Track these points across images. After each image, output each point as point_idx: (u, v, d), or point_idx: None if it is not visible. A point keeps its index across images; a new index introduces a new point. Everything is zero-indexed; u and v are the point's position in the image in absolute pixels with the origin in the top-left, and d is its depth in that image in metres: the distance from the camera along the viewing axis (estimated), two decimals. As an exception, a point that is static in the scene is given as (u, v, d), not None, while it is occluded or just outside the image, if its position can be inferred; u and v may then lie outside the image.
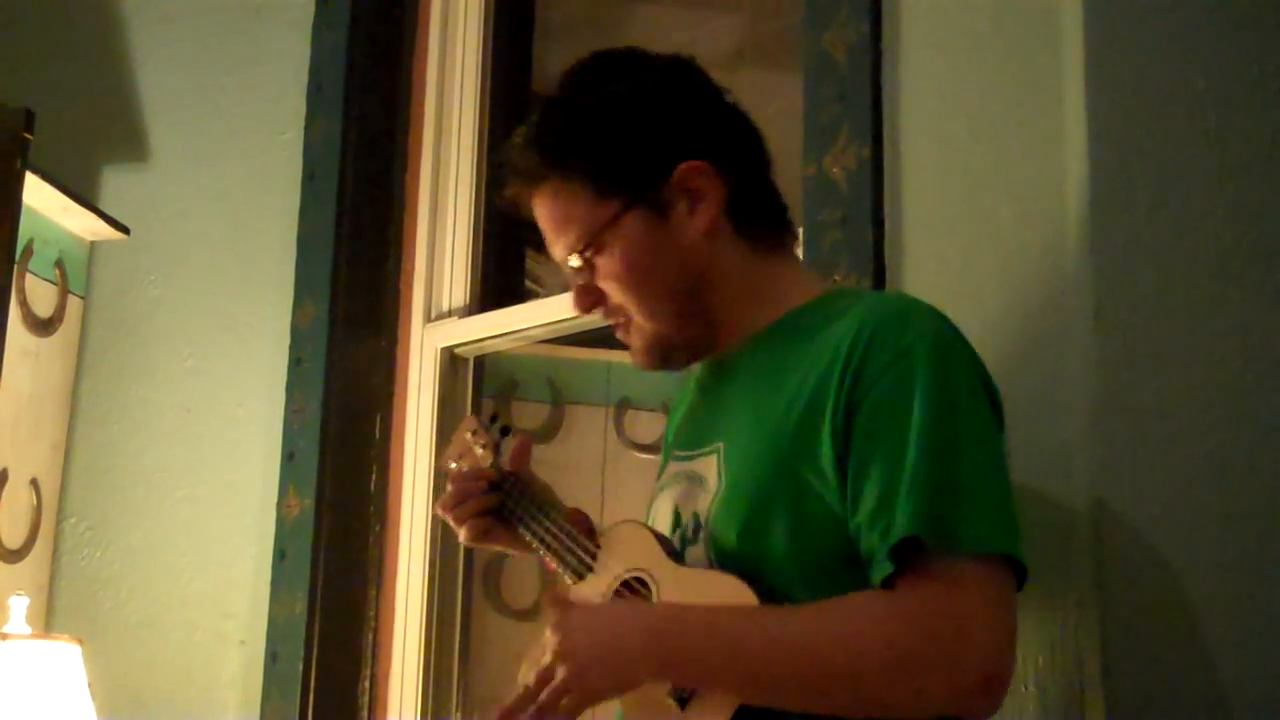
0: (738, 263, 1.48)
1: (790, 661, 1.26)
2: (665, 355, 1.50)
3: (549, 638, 1.34)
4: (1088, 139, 1.62)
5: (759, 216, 1.51)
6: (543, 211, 1.49)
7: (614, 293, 1.47)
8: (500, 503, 1.67)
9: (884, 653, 1.24)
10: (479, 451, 1.73)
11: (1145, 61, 1.61)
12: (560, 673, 1.32)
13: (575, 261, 1.47)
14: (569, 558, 1.57)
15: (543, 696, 1.33)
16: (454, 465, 1.77)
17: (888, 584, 1.26)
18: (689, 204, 1.45)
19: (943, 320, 1.38)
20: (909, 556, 1.25)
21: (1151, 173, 1.58)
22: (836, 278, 1.86)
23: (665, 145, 1.46)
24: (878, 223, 1.86)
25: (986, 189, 1.78)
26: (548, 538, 1.60)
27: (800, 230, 1.97)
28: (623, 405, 2.99)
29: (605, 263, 1.46)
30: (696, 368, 1.58)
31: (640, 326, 1.49)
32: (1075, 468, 1.59)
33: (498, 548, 1.72)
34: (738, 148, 1.51)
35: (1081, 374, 1.60)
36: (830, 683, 1.25)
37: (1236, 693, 1.44)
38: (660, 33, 3.13)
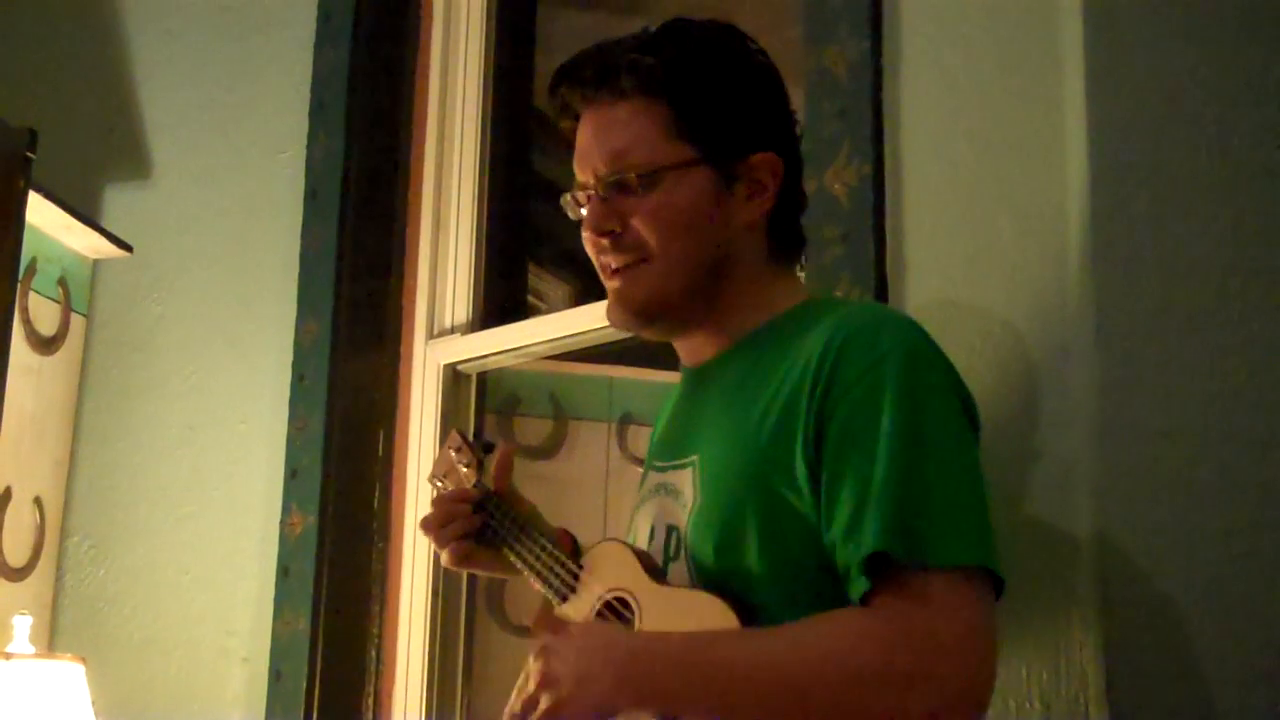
0: (756, 265, 1.48)
1: (770, 686, 1.25)
2: (657, 314, 1.48)
3: (532, 665, 1.34)
4: (1088, 153, 1.62)
5: (787, 229, 1.51)
6: (601, 127, 1.46)
7: (646, 231, 1.44)
8: (484, 524, 1.66)
9: (859, 671, 1.23)
10: (463, 469, 1.72)
11: (1145, 75, 1.61)
12: (543, 701, 1.31)
13: (619, 181, 1.44)
14: (552, 579, 1.56)
15: None
16: (438, 484, 1.76)
17: (865, 599, 1.25)
18: (748, 190, 1.46)
19: (916, 330, 1.38)
20: (883, 571, 1.24)
21: (1152, 187, 1.58)
22: (838, 294, 1.86)
23: (758, 126, 1.47)
24: (879, 239, 1.86)
25: (987, 204, 1.78)
26: (531, 559, 1.60)
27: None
28: (625, 421, 2.99)
29: (655, 200, 1.43)
30: (680, 376, 1.57)
31: (651, 272, 1.45)
32: (1078, 483, 1.59)
33: (482, 571, 1.71)
34: (796, 160, 1.52)
35: (1083, 389, 1.60)
36: (811, 704, 1.24)
37: (1239, 709, 1.44)
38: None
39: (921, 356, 1.34)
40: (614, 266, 1.48)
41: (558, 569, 1.56)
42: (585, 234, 1.49)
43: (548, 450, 2.95)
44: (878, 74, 1.91)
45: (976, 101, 1.82)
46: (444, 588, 2.50)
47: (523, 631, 2.85)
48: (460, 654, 2.52)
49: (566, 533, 1.68)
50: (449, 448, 1.77)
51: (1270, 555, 1.46)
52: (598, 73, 1.47)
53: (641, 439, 3.01)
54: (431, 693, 2.46)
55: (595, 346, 2.46)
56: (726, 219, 1.45)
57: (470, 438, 1.77)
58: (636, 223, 1.45)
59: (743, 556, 1.34)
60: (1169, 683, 1.47)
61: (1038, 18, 1.77)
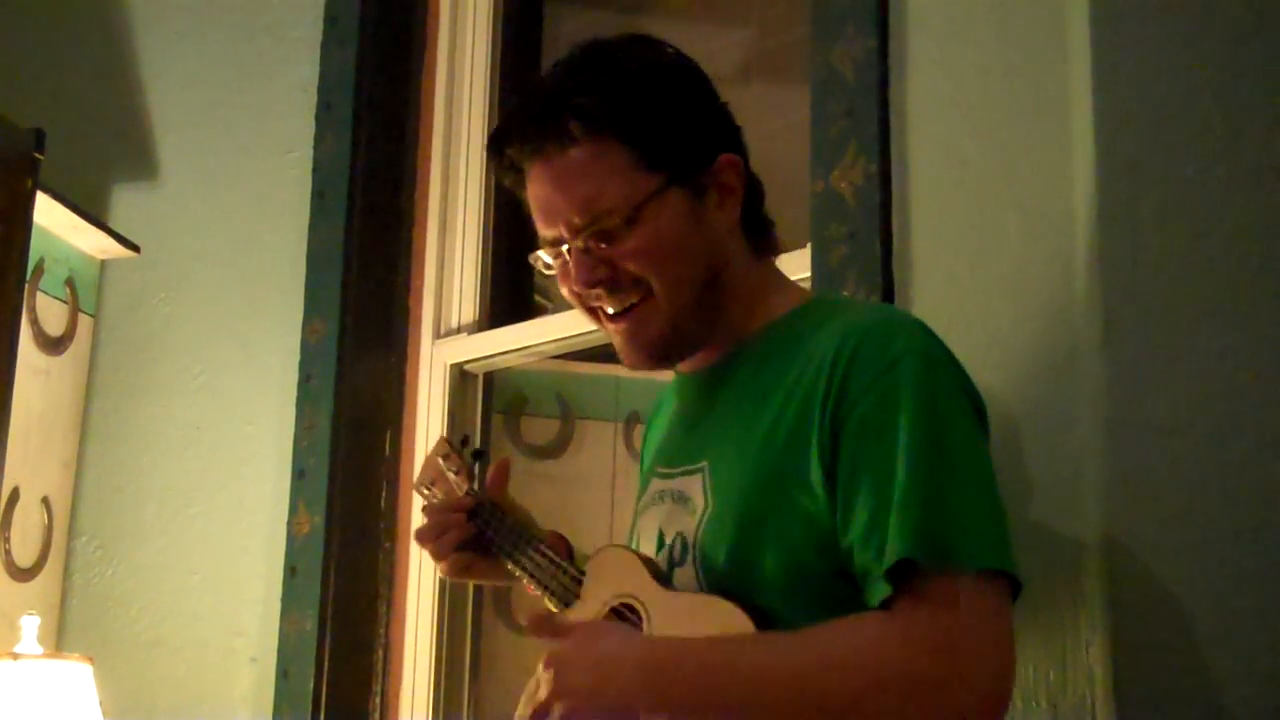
0: (744, 266, 1.47)
1: (792, 692, 1.25)
2: (674, 347, 1.45)
3: (543, 674, 1.32)
4: (1095, 152, 1.62)
5: (757, 221, 1.50)
6: (560, 177, 1.41)
7: (641, 268, 1.40)
8: (480, 532, 1.64)
9: (884, 676, 1.22)
10: (451, 476, 1.70)
11: (1152, 74, 1.61)
12: (556, 711, 1.30)
13: (600, 229, 1.40)
14: (555, 585, 1.55)
15: None
16: (425, 491, 1.74)
17: (885, 604, 1.25)
18: (719, 198, 1.44)
19: (926, 333, 1.37)
20: (904, 576, 1.24)
21: (1159, 185, 1.58)
22: (845, 293, 1.86)
23: (710, 131, 1.45)
24: (885, 238, 1.86)
25: (994, 203, 1.78)
26: (531, 566, 1.58)
27: (808, 245, 1.98)
28: (632, 420, 2.99)
29: (639, 236, 1.39)
30: (673, 380, 1.56)
31: (657, 309, 1.42)
32: (1086, 482, 1.58)
33: (481, 581, 1.70)
34: (744, 150, 1.50)
35: (1091, 388, 1.59)
36: (831, 709, 1.24)
37: (1247, 708, 1.43)
38: (668, 48, 3.13)
39: (935, 360, 1.34)
40: (613, 311, 1.44)
41: (560, 575, 1.55)
42: (572, 288, 1.44)
43: (555, 450, 2.95)
44: (884, 73, 1.91)
45: (983, 100, 1.82)
46: (450, 587, 2.50)
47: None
48: (467, 653, 2.52)
49: (561, 537, 1.67)
50: (436, 455, 1.75)
51: (1278, 555, 1.45)
52: (540, 124, 1.42)
53: (649, 439, 3.01)
54: (438, 692, 2.46)
55: (602, 346, 2.45)
56: (709, 231, 1.43)
57: (458, 444, 1.75)
58: (628, 263, 1.40)
59: (756, 562, 1.33)
60: (1176, 682, 1.47)
61: (1045, 17, 1.77)
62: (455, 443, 1.75)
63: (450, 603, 2.49)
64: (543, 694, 1.32)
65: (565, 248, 1.43)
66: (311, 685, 2.40)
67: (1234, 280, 1.52)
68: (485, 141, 2.66)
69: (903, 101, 1.89)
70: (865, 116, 1.91)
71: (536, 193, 1.44)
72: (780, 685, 1.25)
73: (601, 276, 1.41)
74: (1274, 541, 1.45)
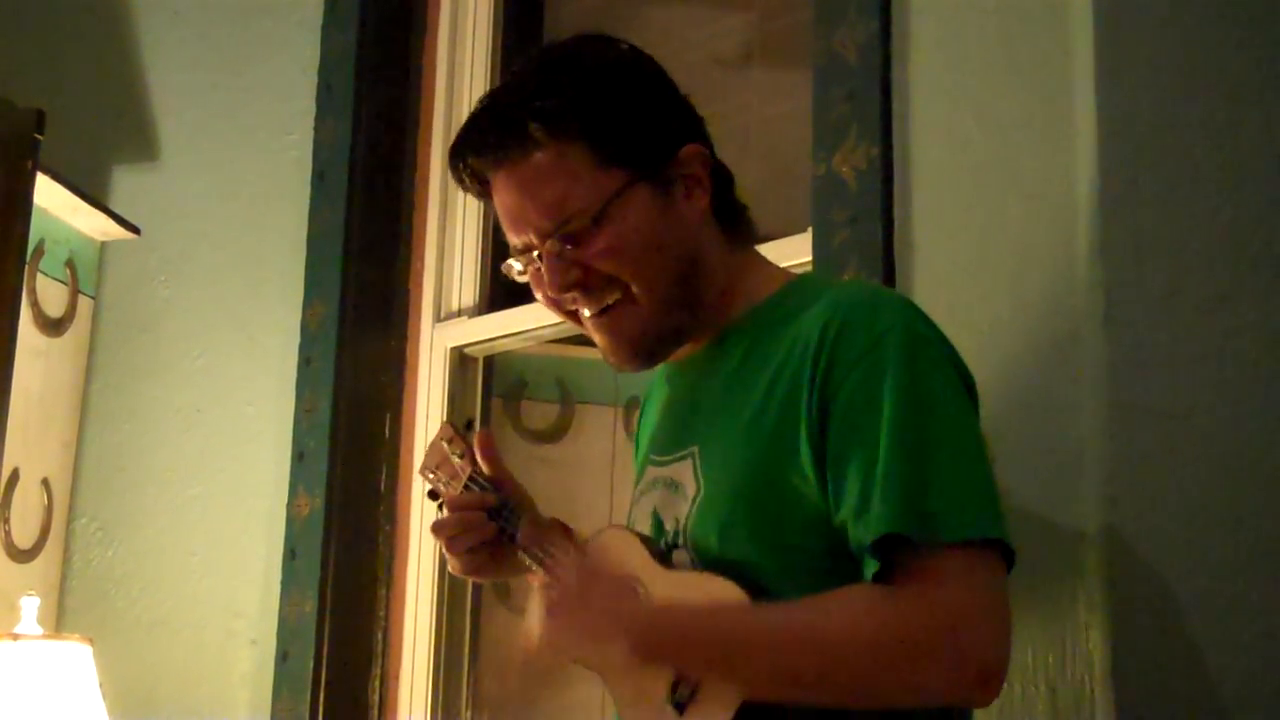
0: (719, 254, 1.46)
1: (787, 658, 1.26)
2: (656, 343, 1.45)
3: (539, 602, 1.36)
4: (1098, 137, 1.62)
5: (733, 211, 1.49)
6: (526, 183, 1.40)
7: (613, 267, 1.40)
8: (500, 530, 1.61)
9: (879, 645, 1.23)
10: (456, 460, 1.69)
11: (1155, 59, 1.61)
12: (550, 650, 1.36)
13: (568, 232, 1.39)
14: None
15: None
16: (430, 476, 1.74)
17: (879, 578, 1.25)
18: (686, 189, 1.43)
19: (911, 308, 1.38)
20: (893, 551, 1.24)
21: (1161, 171, 1.58)
22: (846, 277, 1.86)
23: (672, 123, 1.45)
24: (887, 222, 1.86)
25: (996, 188, 1.78)
26: (543, 555, 1.56)
27: (809, 230, 1.97)
28: (631, 405, 2.98)
29: (608, 235, 1.39)
30: (662, 368, 1.55)
31: (635, 309, 1.42)
32: (1086, 467, 1.59)
33: (485, 579, 1.68)
34: (706, 137, 1.49)
35: (1092, 373, 1.60)
36: (828, 677, 1.25)
37: (1245, 693, 1.44)
38: (668, 31, 3.12)
39: (920, 334, 1.33)
40: (590, 313, 1.44)
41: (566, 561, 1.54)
42: (546, 294, 1.44)
43: (554, 434, 2.95)
44: (886, 57, 1.91)
45: (986, 84, 1.82)
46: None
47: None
48: (467, 636, 2.52)
49: (560, 522, 1.66)
50: (440, 439, 1.74)
51: (1278, 540, 1.45)
52: (501, 132, 1.41)
53: (648, 423, 3.01)
54: (438, 675, 2.46)
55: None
56: (679, 223, 1.42)
57: (462, 428, 1.74)
58: (599, 263, 1.40)
59: (747, 542, 1.33)
60: (1174, 666, 1.47)
61: (1048, 1, 1.76)
62: (459, 426, 1.75)
63: (450, 585, 2.49)
64: (538, 627, 1.36)
65: (536, 254, 1.42)
66: (311, 667, 2.40)
67: (1235, 265, 1.52)
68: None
69: (905, 86, 1.89)
70: (867, 100, 1.91)
71: (503, 201, 1.43)
72: (775, 651, 1.27)
73: (574, 279, 1.41)
74: (1274, 527, 1.46)
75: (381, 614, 2.49)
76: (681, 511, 1.40)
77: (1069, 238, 1.67)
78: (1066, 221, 1.68)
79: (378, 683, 2.47)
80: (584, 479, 2.92)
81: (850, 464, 1.28)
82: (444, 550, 1.63)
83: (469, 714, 2.51)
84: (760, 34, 3.20)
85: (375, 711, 2.45)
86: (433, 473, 1.74)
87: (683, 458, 1.43)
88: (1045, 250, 1.71)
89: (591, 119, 1.39)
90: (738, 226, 1.49)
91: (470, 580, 1.69)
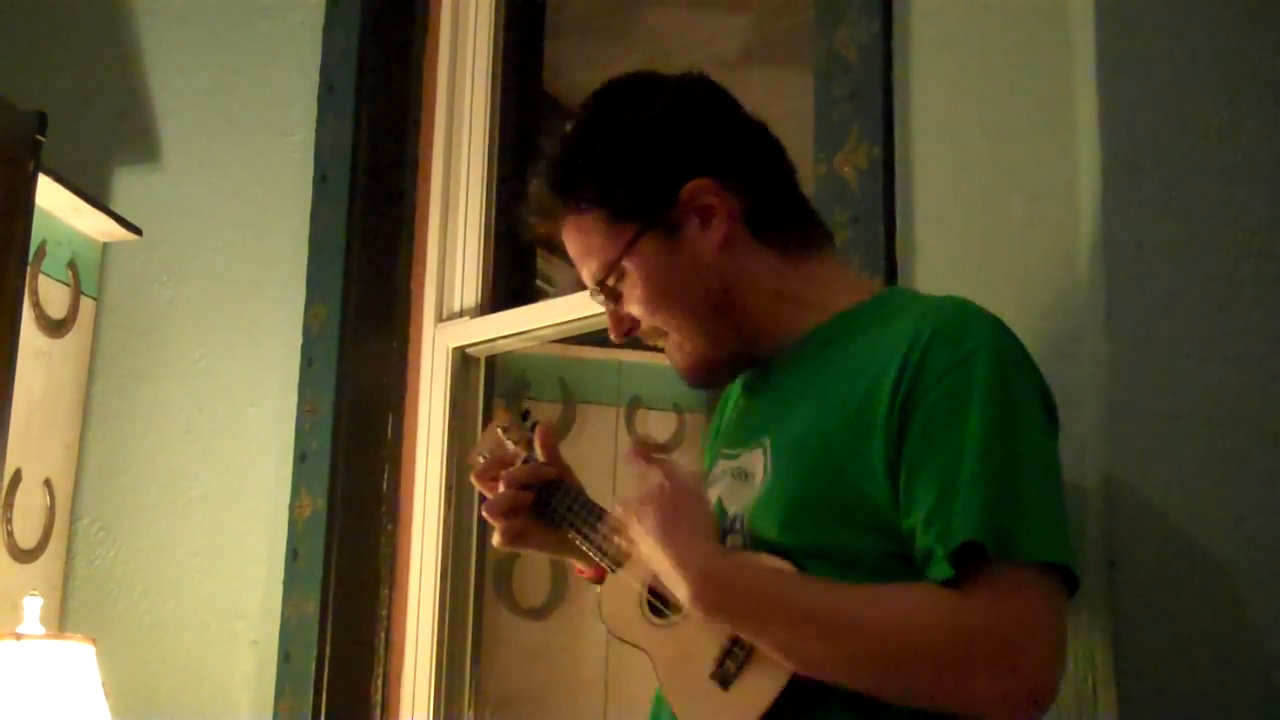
0: (767, 272, 1.48)
1: (848, 629, 1.27)
2: (709, 372, 1.52)
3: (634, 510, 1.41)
4: (1099, 137, 1.62)
5: (782, 223, 1.50)
6: (568, 244, 1.53)
7: (643, 316, 1.49)
8: (543, 504, 1.63)
9: (940, 646, 1.25)
10: (510, 447, 1.71)
11: (1157, 59, 1.61)
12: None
13: (601, 291, 1.51)
14: (615, 554, 1.54)
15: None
16: (482, 459, 1.75)
17: (947, 585, 1.26)
18: (701, 222, 1.46)
19: (1001, 327, 1.38)
20: (967, 560, 1.25)
21: (1163, 170, 1.58)
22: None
23: (669, 167, 1.47)
24: (889, 222, 1.86)
25: (998, 188, 1.78)
26: (596, 537, 1.58)
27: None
28: (634, 404, 2.99)
29: (629, 289, 1.49)
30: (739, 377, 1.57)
31: (679, 345, 1.50)
32: (1088, 466, 1.59)
33: (532, 549, 1.69)
34: (750, 158, 1.50)
35: (1094, 372, 1.60)
36: (881, 662, 1.26)
37: (1248, 689, 1.44)
38: (671, 32, 3.13)
39: (1009, 357, 1.35)
40: (654, 346, 1.54)
41: (613, 540, 1.54)
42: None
43: (557, 434, 2.94)
44: (888, 57, 1.91)
45: (987, 84, 1.82)
46: (452, 570, 2.50)
47: (531, 614, 2.85)
48: (469, 637, 2.52)
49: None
50: (496, 425, 1.77)
51: (1278, 540, 1.45)
52: (536, 206, 1.53)
53: (650, 423, 3.01)
54: (440, 675, 2.46)
55: (604, 329, 2.45)
56: (695, 260, 1.46)
57: (518, 417, 1.76)
58: (635, 313, 1.50)
59: (807, 536, 1.34)
60: (1175, 664, 1.47)
61: (1049, 1, 1.77)
62: (516, 416, 1.77)
63: (452, 586, 2.49)
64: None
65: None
66: (313, 668, 2.40)
67: (1237, 265, 1.52)
68: (488, 124, 2.67)
69: (906, 86, 1.89)
70: (869, 101, 1.91)
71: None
72: (834, 625, 1.27)
73: (627, 329, 1.53)
74: (1274, 526, 1.46)
75: (384, 614, 2.49)
76: (747, 499, 1.41)
77: (1070, 238, 1.67)
78: (1068, 222, 1.68)
79: (380, 683, 2.47)
80: (586, 478, 2.90)
81: (927, 470, 1.29)
82: (492, 520, 1.65)
83: (471, 714, 2.51)
84: (761, 34, 3.21)
85: (377, 712, 2.45)
86: (483, 457, 1.75)
87: (754, 448, 1.44)
88: (1046, 250, 1.71)
89: (593, 182, 1.48)
90: (795, 234, 1.51)
91: (519, 549, 1.70)
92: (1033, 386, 1.36)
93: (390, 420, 2.57)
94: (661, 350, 1.54)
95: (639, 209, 1.46)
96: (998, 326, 1.38)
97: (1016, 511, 1.27)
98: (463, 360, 2.61)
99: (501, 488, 1.64)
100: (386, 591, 2.50)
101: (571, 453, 2.95)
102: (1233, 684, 1.45)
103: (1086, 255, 1.64)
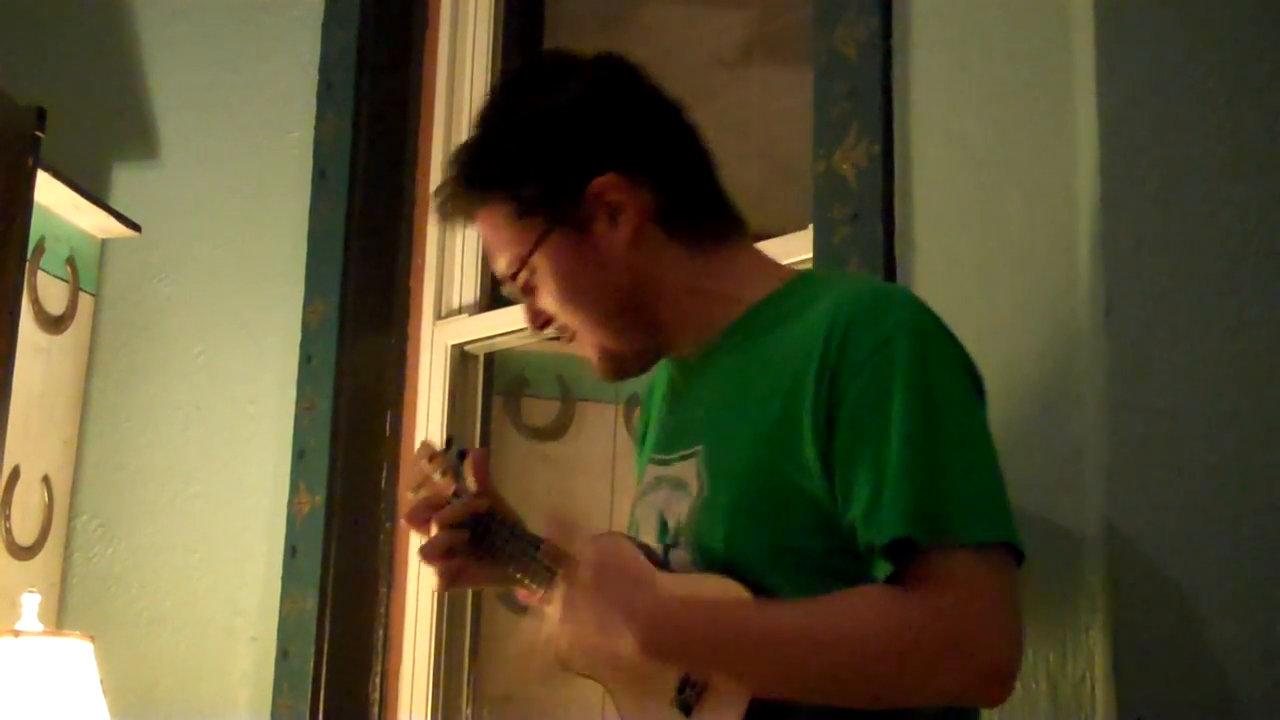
0: (677, 267, 1.45)
1: (798, 648, 1.26)
2: (618, 367, 1.49)
3: (551, 613, 1.37)
4: (1098, 135, 1.62)
5: (694, 216, 1.47)
6: (483, 234, 1.51)
7: (553, 310, 1.47)
8: (480, 538, 1.60)
9: (891, 648, 1.23)
10: (438, 479, 1.68)
11: (1156, 56, 1.61)
12: (560, 642, 1.36)
13: (514, 285, 1.48)
14: (550, 582, 1.51)
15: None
16: (412, 495, 1.72)
17: (890, 580, 1.25)
18: (609, 218, 1.43)
19: (918, 305, 1.37)
20: (905, 553, 1.24)
21: (1162, 168, 1.58)
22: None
23: (577, 162, 1.44)
24: (888, 219, 1.86)
25: (997, 185, 1.78)
26: (535, 567, 1.55)
27: (810, 227, 1.97)
28: (632, 402, 2.98)
29: (540, 281, 1.46)
30: (662, 366, 1.56)
31: (587, 341, 1.48)
32: (1086, 465, 1.59)
33: (473, 587, 1.68)
34: (662, 151, 1.47)
35: (1092, 371, 1.60)
36: (839, 673, 1.25)
37: (1246, 691, 1.44)
38: (670, 29, 3.12)
39: (928, 333, 1.33)
40: (565, 340, 1.51)
41: (552, 570, 1.51)
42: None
43: (555, 432, 2.95)
44: (887, 54, 1.91)
45: (986, 81, 1.82)
46: (451, 568, 2.50)
47: (529, 612, 2.85)
48: (467, 634, 2.52)
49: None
50: (420, 458, 1.73)
51: (1278, 540, 1.45)
52: (450, 200, 1.50)
53: (649, 421, 3.01)
54: (438, 672, 2.47)
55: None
56: (603, 257, 1.44)
57: (442, 446, 1.73)
58: (548, 307, 1.48)
59: (752, 543, 1.33)
60: (1175, 664, 1.47)
61: (1049, -2, 1.77)
62: (434, 446, 1.73)
63: (450, 583, 2.49)
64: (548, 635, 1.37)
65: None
66: (311, 665, 2.40)
67: (1236, 262, 1.52)
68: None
69: (905, 83, 1.89)
70: (868, 98, 1.91)
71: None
72: (786, 648, 1.26)
73: (540, 323, 1.50)
74: (1274, 524, 1.46)
75: (382, 611, 2.49)
76: (684, 509, 1.40)
77: (1069, 235, 1.67)
78: (1067, 219, 1.68)
79: (378, 680, 2.47)
80: (585, 476, 2.92)
81: (860, 465, 1.27)
82: (428, 565, 1.63)
83: (469, 711, 2.51)
84: (760, 32, 3.20)
85: (375, 709, 2.46)
86: (413, 493, 1.72)
87: (687, 457, 1.43)
88: (1045, 248, 1.71)
89: (500, 177, 1.45)
90: (707, 226, 1.48)
91: (458, 590, 1.66)
92: (956, 362, 1.34)
93: (389, 417, 2.57)
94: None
95: (544, 205, 1.44)
96: (914, 305, 1.36)
97: (944, 496, 1.25)
98: (461, 357, 2.61)
99: (434, 530, 1.61)
100: (385, 589, 2.50)
101: (570, 451, 2.98)
102: (1231, 683, 1.45)
103: (1085, 252, 1.64)
